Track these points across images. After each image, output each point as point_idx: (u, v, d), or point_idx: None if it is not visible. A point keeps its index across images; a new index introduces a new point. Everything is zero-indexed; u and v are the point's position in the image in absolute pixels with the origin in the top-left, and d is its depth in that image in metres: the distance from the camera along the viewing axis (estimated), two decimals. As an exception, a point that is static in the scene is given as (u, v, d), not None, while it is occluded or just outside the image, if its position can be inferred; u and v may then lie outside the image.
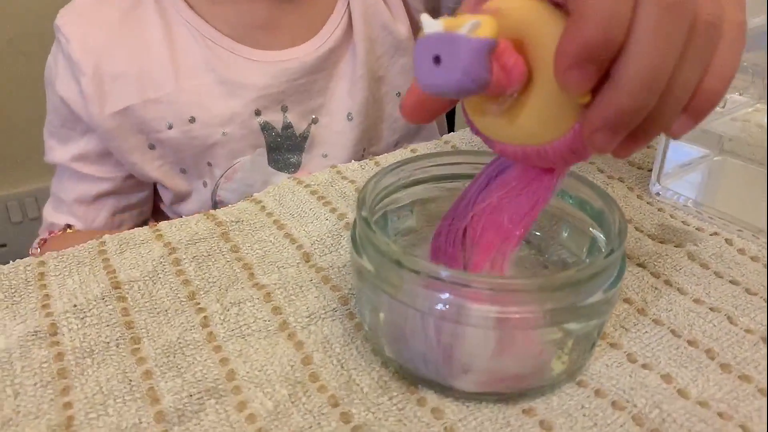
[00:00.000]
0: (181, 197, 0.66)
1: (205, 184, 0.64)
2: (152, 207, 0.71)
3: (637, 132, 0.24)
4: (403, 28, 0.63)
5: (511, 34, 0.25)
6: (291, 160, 0.63)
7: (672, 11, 0.22)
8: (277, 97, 0.60)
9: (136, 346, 0.33)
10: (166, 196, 0.67)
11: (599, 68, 0.23)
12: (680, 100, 0.24)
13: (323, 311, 0.35)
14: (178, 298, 0.36)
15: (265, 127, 0.61)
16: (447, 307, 0.27)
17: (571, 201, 0.33)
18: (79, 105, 0.60)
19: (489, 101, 0.26)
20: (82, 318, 0.34)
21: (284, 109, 0.61)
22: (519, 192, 0.29)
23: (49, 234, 0.64)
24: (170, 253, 0.39)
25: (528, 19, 0.25)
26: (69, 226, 0.64)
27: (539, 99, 0.25)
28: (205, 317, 0.34)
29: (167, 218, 0.70)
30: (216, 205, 0.64)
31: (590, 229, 0.32)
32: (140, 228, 0.42)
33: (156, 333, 0.33)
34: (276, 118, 0.61)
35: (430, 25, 0.24)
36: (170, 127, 0.60)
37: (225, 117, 0.60)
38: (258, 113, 0.61)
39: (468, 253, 0.31)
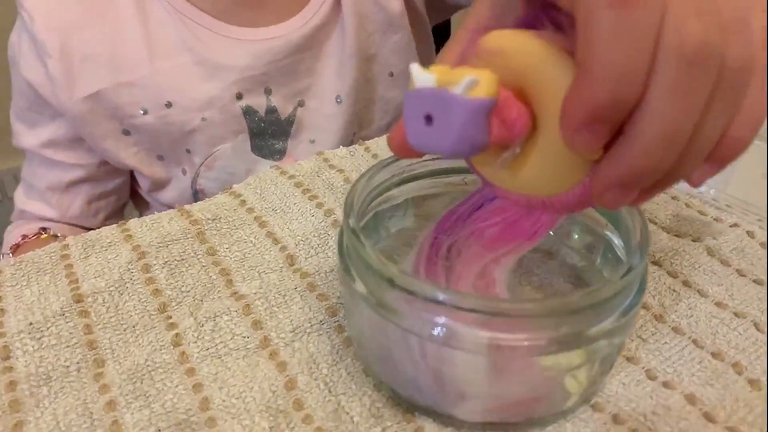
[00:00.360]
0: (159, 185, 0.62)
1: (184, 172, 0.60)
2: (130, 192, 0.67)
3: (652, 186, 0.21)
4: (395, 2, 0.58)
5: (514, 79, 0.22)
6: (276, 146, 0.59)
7: (695, 66, 0.19)
8: (260, 78, 0.56)
9: (99, 370, 0.29)
10: (143, 183, 0.63)
11: (611, 128, 0.20)
12: (702, 153, 0.21)
13: (309, 324, 0.31)
14: (147, 311, 0.32)
15: (248, 112, 0.57)
16: (443, 331, 0.24)
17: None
18: (47, 89, 0.55)
19: (491, 154, 0.23)
20: (39, 338, 0.31)
21: (268, 92, 0.57)
22: (516, 219, 0.26)
23: (23, 239, 0.60)
24: (139, 258, 0.36)
25: (534, 63, 0.21)
26: (44, 229, 0.61)
27: (545, 151, 0.22)
28: (177, 335, 0.31)
29: (146, 204, 0.67)
30: (196, 194, 0.60)
31: (604, 231, 0.29)
32: (107, 228, 0.38)
33: (122, 354, 0.30)
34: (259, 102, 0.57)
35: (421, 78, 0.21)
36: (145, 113, 0.56)
37: (204, 101, 0.56)
38: (239, 96, 0.56)
39: (452, 263, 0.28)
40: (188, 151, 0.58)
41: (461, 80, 0.20)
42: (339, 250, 0.28)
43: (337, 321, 0.32)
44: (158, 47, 0.55)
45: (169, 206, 0.62)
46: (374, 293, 0.25)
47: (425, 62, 0.30)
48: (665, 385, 0.28)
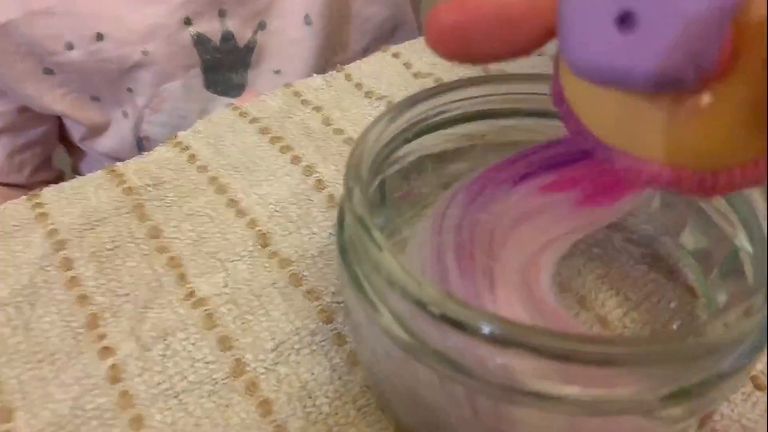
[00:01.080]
0: (95, 131, 0.52)
1: (125, 115, 0.50)
2: (62, 137, 0.56)
3: None
4: None
5: None
6: (234, 80, 0.49)
7: None
8: None
9: (4, 427, 0.21)
10: (76, 131, 0.52)
11: None
12: None
13: (296, 337, 0.23)
14: (71, 329, 0.23)
15: (200, 41, 0.46)
16: (504, 379, 0.16)
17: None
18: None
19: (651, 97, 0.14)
20: None
21: (222, 14, 0.46)
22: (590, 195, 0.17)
23: None
24: (57, 249, 0.26)
25: None
26: None
27: (736, 99, 0.13)
28: (114, 365, 0.22)
29: (81, 152, 0.56)
30: (141, 142, 0.50)
31: (731, 228, 0.20)
32: (14, 202, 0.29)
33: (37, 402, 0.21)
34: (213, 28, 0.46)
35: None
36: (70, 47, 0.45)
37: (144, 30, 0.45)
38: (188, 22, 0.45)
39: (493, 253, 0.19)
40: (129, 90, 0.48)
41: None
42: (339, 247, 0.19)
43: (335, 328, 0.23)
44: None
45: (109, 156, 0.52)
46: (398, 318, 0.17)
47: None
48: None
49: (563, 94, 0.17)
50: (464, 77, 0.22)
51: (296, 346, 0.23)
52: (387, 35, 0.52)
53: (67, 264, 0.26)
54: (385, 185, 0.22)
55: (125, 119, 0.50)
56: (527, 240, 0.20)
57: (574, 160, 0.20)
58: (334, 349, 0.23)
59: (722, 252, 0.20)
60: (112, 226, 0.27)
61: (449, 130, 0.23)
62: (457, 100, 0.22)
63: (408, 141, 0.22)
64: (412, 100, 0.21)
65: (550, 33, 0.16)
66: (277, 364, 0.22)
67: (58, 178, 0.56)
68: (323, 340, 0.23)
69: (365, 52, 0.52)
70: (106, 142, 0.52)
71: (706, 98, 0.14)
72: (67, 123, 0.53)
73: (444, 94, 0.22)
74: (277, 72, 0.49)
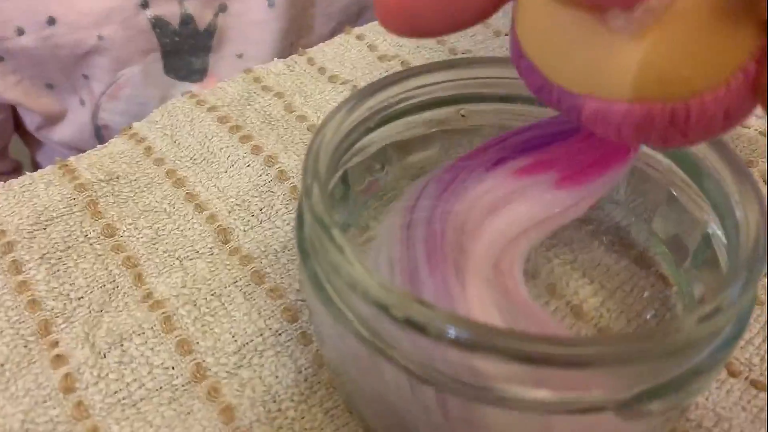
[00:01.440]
0: (52, 120, 0.49)
1: (82, 103, 0.48)
2: (18, 127, 0.54)
3: None
4: None
5: None
6: (195, 65, 0.47)
7: None
8: None
9: (-49, 446, 0.20)
10: (31, 120, 0.50)
11: None
12: None
13: (260, 338, 0.22)
14: (21, 337, 0.22)
15: (158, 24, 0.44)
16: (473, 380, 0.15)
17: (677, 161, 0.20)
18: None
19: (600, 18, 0.13)
20: None
21: None
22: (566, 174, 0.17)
23: None
24: (5, 252, 0.25)
25: None
26: None
27: (694, 13, 0.13)
28: (68, 375, 0.21)
29: (38, 142, 0.54)
30: (99, 130, 0.48)
31: (702, 214, 0.19)
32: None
33: (-16, 416, 0.20)
34: (171, 11, 0.44)
35: None
36: (21, 33, 0.43)
37: (99, 14, 0.43)
38: (145, 5, 0.43)
39: (464, 246, 0.18)
40: (85, 76, 0.46)
41: None
42: (299, 246, 0.18)
43: (300, 327, 0.22)
44: None
45: (68, 146, 0.50)
46: (362, 321, 0.16)
47: None
48: None
49: (521, 50, 0.16)
50: (429, 62, 0.21)
51: (259, 348, 0.22)
52: (353, 18, 0.51)
53: (17, 267, 0.24)
54: (348, 177, 0.22)
55: (82, 107, 0.48)
56: (501, 230, 0.19)
57: (549, 143, 0.19)
58: (300, 350, 0.22)
59: (695, 239, 0.20)
60: (64, 225, 0.26)
61: (412, 117, 0.22)
62: (421, 86, 0.21)
63: (371, 130, 0.21)
64: (372, 89, 0.20)
65: (497, 2, 0.15)
66: (239, 367, 0.21)
67: (15, 170, 0.54)
68: (288, 341, 0.22)
69: (332, 34, 0.50)
70: (63, 132, 0.49)
71: (660, 12, 0.13)
72: (22, 112, 0.50)
73: (406, 80, 0.21)
74: (240, 56, 0.47)
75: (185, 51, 0.46)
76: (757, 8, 0.12)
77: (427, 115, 0.22)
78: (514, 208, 0.19)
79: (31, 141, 0.55)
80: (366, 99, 0.20)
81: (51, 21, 0.43)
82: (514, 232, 0.19)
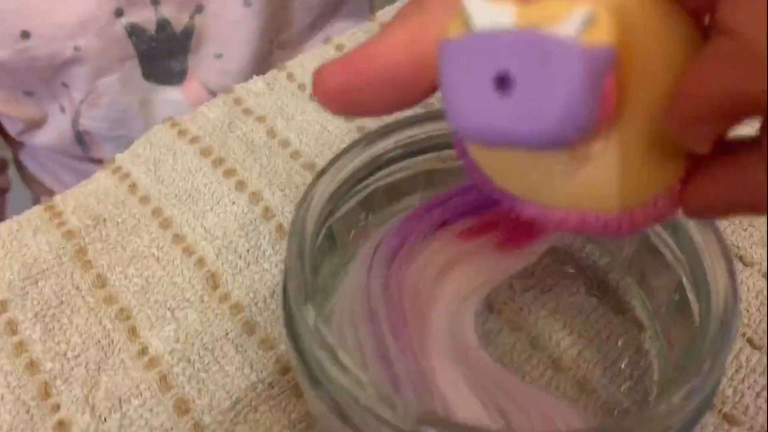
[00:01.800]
0: (33, 125, 0.49)
1: (62, 110, 0.47)
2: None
3: None
4: None
5: None
6: (174, 68, 0.46)
7: None
8: None
9: None
10: (12, 127, 0.50)
11: (738, 123, 0.12)
12: None
13: (254, 393, 0.23)
14: (22, 402, 0.23)
15: (134, 32, 0.43)
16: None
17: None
18: None
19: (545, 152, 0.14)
20: None
21: (155, 2, 0.43)
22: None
23: None
24: (0, 311, 0.25)
25: (632, 16, 0.13)
26: None
27: (628, 143, 0.14)
28: (69, 442, 0.22)
29: (20, 144, 0.54)
30: (80, 136, 0.48)
31: (678, 265, 0.20)
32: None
33: (-6, 489, 0.21)
34: (146, 17, 0.43)
35: (489, 13, 0.12)
36: None
37: (74, 25, 0.42)
38: (120, 13, 0.42)
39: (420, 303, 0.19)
40: (64, 84, 0.45)
41: (569, 15, 0.12)
42: (285, 316, 0.18)
43: (292, 378, 0.23)
44: None
45: (51, 149, 0.50)
46: (338, 405, 0.17)
47: None
48: None
49: (465, 148, 0.16)
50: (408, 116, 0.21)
51: (254, 403, 0.22)
52: (332, 10, 0.49)
53: (12, 328, 0.25)
54: (333, 230, 0.22)
55: (63, 114, 0.47)
56: (454, 290, 0.20)
57: (490, 205, 0.20)
58: (292, 404, 0.22)
59: (670, 287, 0.20)
60: (55, 279, 0.26)
61: (398, 165, 0.22)
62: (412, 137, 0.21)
63: (359, 181, 0.21)
64: (352, 152, 0.20)
65: (437, 86, 0.16)
66: (236, 424, 0.22)
67: (1, 169, 0.54)
68: (281, 394, 0.23)
69: (311, 28, 0.49)
70: (45, 137, 0.49)
71: (597, 146, 0.14)
72: (3, 119, 0.50)
73: (394, 133, 0.21)
74: (219, 56, 0.47)
75: (163, 55, 0.46)
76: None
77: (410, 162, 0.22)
78: (462, 269, 0.20)
79: (13, 143, 0.54)
80: (347, 164, 0.20)
81: (25, 35, 0.42)
82: (465, 291, 0.20)
